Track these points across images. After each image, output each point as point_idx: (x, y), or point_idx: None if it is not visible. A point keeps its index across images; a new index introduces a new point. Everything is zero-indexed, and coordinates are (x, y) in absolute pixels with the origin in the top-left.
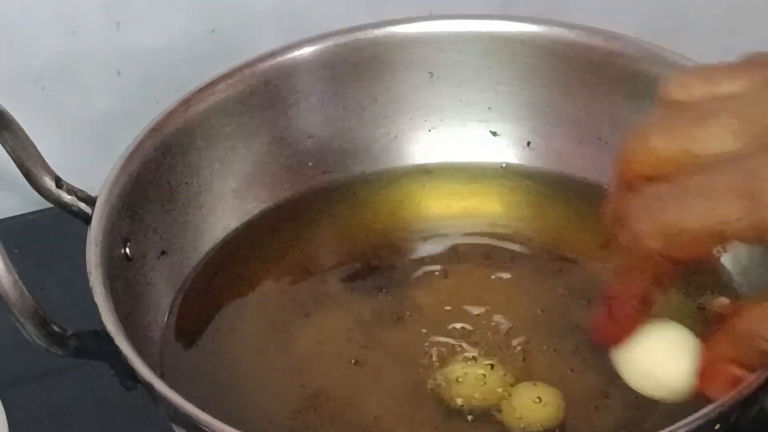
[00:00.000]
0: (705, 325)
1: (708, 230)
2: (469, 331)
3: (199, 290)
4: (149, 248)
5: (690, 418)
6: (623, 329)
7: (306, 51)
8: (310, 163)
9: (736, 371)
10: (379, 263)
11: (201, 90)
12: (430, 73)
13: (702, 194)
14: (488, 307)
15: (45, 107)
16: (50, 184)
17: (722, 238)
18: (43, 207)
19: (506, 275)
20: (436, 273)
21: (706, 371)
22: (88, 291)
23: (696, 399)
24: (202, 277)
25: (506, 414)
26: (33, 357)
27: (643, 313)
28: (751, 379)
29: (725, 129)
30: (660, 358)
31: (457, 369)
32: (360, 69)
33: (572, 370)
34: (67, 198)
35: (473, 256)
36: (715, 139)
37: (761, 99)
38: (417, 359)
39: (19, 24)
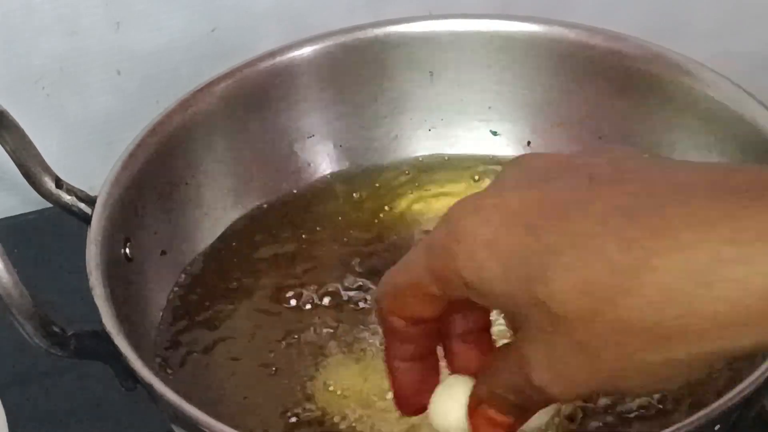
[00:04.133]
0: None
1: (403, 287)
2: None
3: (199, 290)
4: (149, 248)
5: (690, 419)
6: (418, 397)
7: (306, 51)
8: (309, 163)
9: (496, 416)
10: (378, 262)
11: (201, 90)
12: (430, 72)
13: (407, 259)
14: None
15: (45, 107)
16: (50, 184)
17: (419, 295)
18: (43, 207)
19: None
20: None
21: (471, 413)
22: (88, 291)
23: None
24: (202, 277)
25: None
26: (33, 357)
27: (431, 377)
28: (752, 380)
29: None
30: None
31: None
32: (360, 69)
33: None
34: (67, 198)
35: None
36: None
37: None
38: None
39: (19, 24)
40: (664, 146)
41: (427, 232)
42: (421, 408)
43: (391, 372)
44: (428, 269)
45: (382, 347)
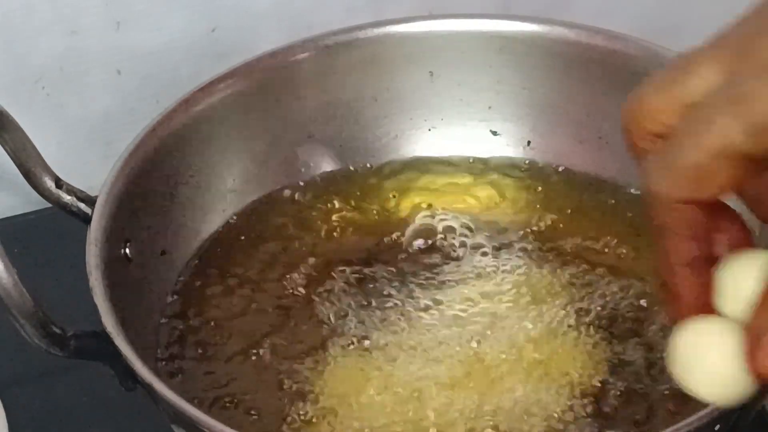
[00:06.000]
0: None
1: (711, 153)
2: (468, 325)
3: (199, 290)
4: (149, 248)
5: (690, 419)
6: (703, 297)
7: (306, 51)
8: (310, 163)
9: None
10: (378, 261)
11: (201, 90)
12: (430, 72)
13: (695, 121)
14: (488, 303)
15: (45, 107)
16: (50, 184)
17: (728, 158)
18: (43, 207)
19: (506, 272)
20: (436, 270)
21: (752, 347)
22: (88, 291)
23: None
24: (202, 277)
25: None
26: (33, 357)
27: (707, 274)
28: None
29: (709, 64)
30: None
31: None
32: (360, 69)
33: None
34: (67, 198)
35: (473, 253)
36: (702, 78)
37: (742, 30)
38: (416, 355)
39: (19, 24)
40: None
41: (427, 231)
42: (705, 307)
43: (672, 278)
44: (742, 122)
45: (384, 347)
